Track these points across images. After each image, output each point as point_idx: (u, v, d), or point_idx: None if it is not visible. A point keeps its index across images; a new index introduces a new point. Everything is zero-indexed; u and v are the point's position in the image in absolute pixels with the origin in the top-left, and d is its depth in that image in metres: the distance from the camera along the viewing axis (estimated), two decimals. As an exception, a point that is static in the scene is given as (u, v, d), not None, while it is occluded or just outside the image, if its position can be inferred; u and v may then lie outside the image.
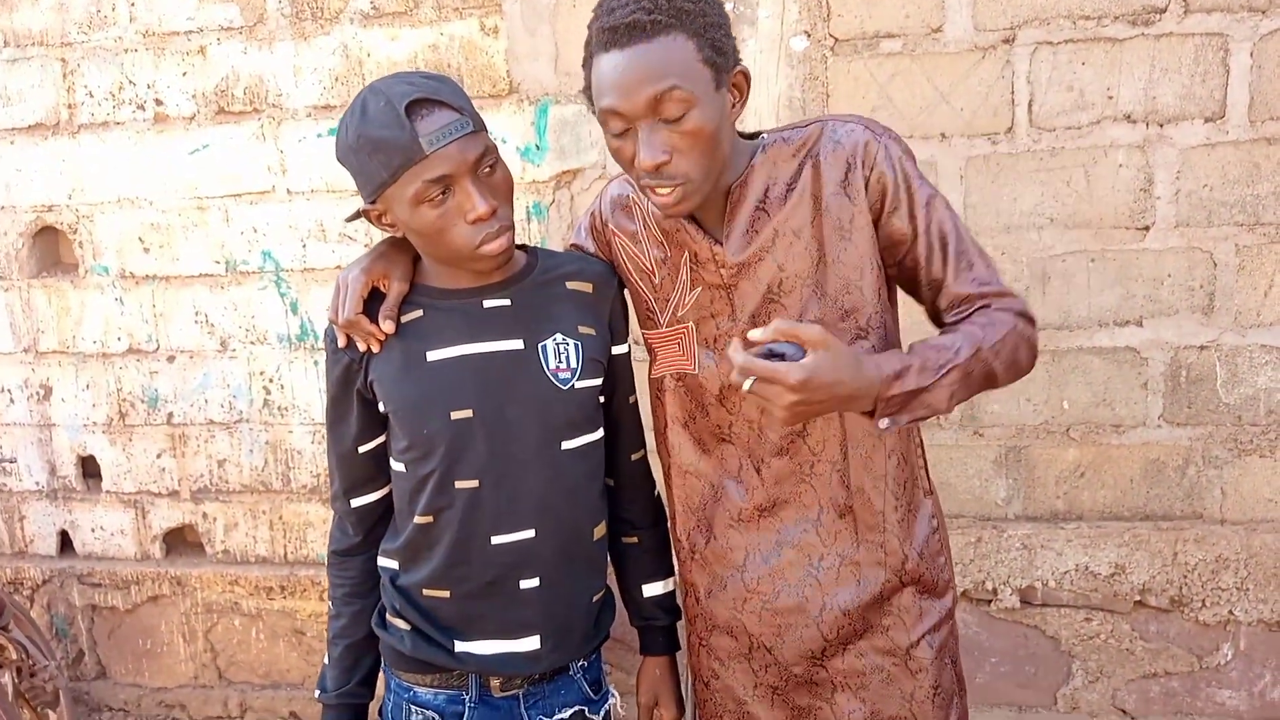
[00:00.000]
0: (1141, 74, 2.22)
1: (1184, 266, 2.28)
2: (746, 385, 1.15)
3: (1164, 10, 2.19)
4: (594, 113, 1.31)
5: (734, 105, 1.31)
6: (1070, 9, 2.21)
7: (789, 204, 1.36)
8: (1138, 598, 2.41)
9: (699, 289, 1.43)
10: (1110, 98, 2.24)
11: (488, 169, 1.32)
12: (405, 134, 1.27)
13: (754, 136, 1.42)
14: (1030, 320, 1.35)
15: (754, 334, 1.17)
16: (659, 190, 1.29)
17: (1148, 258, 2.29)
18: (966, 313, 1.34)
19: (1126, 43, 2.21)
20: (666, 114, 1.24)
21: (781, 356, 1.16)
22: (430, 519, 1.42)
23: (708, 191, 1.32)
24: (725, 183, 1.37)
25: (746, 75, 1.31)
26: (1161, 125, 2.24)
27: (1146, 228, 2.28)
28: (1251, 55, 2.18)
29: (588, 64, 1.30)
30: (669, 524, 1.59)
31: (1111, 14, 2.20)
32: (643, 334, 1.51)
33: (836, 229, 1.35)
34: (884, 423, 1.25)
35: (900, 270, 1.39)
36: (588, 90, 1.30)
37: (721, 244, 1.39)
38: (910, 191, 1.34)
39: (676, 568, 1.61)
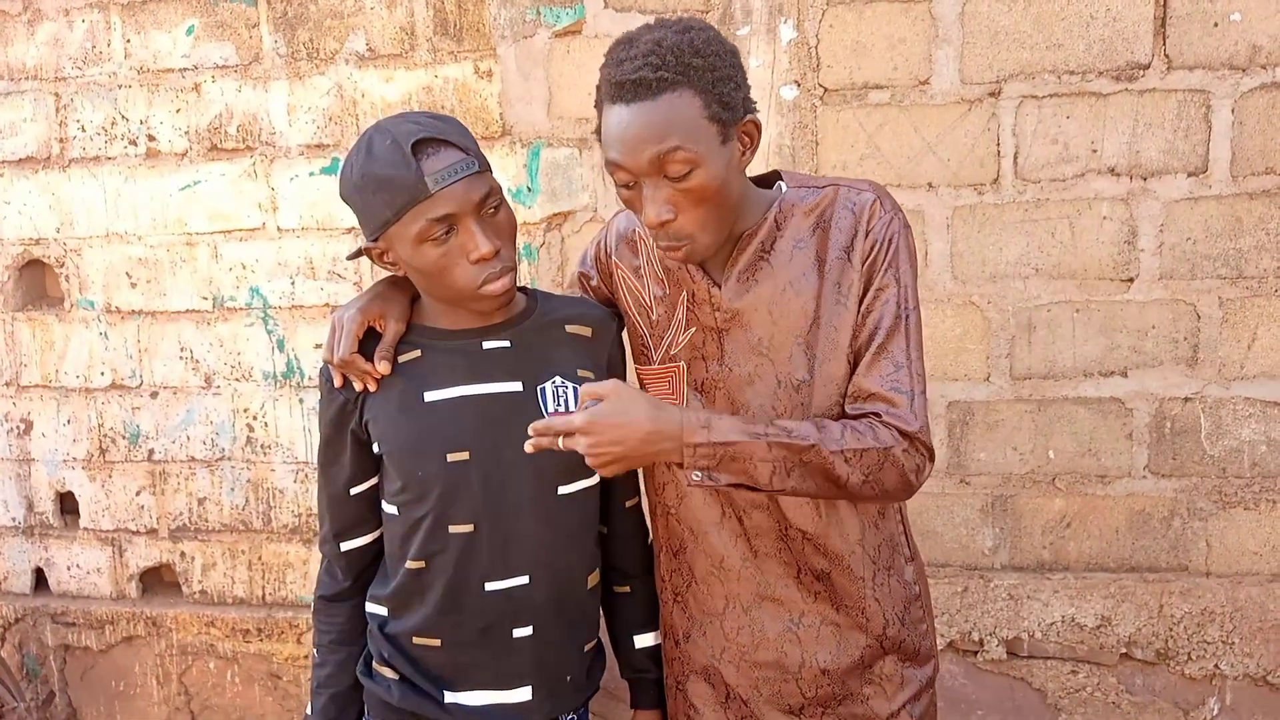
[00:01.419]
0: (1125, 128, 2.26)
1: (1168, 318, 2.30)
2: (560, 443, 1.22)
3: (1147, 67, 2.23)
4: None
5: (743, 153, 1.31)
6: (1055, 64, 2.25)
7: (794, 260, 1.36)
8: (1124, 650, 2.40)
9: (693, 329, 1.42)
10: (1094, 151, 2.28)
11: (492, 209, 1.32)
12: (411, 172, 1.27)
13: (769, 177, 1.42)
14: (920, 449, 1.30)
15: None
16: (667, 249, 1.30)
17: (1132, 309, 2.31)
18: (858, 414, 1.31)
19: (1110, 98, 2.25)
20: (670, 173, 1.24)
21: None
22: (422, 564, 1.40)
23: (720, 243, 1.32)
24: (737, 230, 1.37)
25: (757, 124, 1.31)
26: (1145, 179, 2.27)
27: (1131, 279, 2.30)
28: (1233, 112, 2.22)
29: (599, 108, 1.30)
30: (654, 562, 1.57)
31: (1095, 69, 2.24)
32: (635, 369, 1.51)
33: (835, 292, 1.34)
34: (695, 475, 1.27)
35: None
36: (599, 134, 1.30)
37: (719, 286, 1.39)
38: (883, 270, 1.32)
39: (660, 608, 1.59)
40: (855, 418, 1.32)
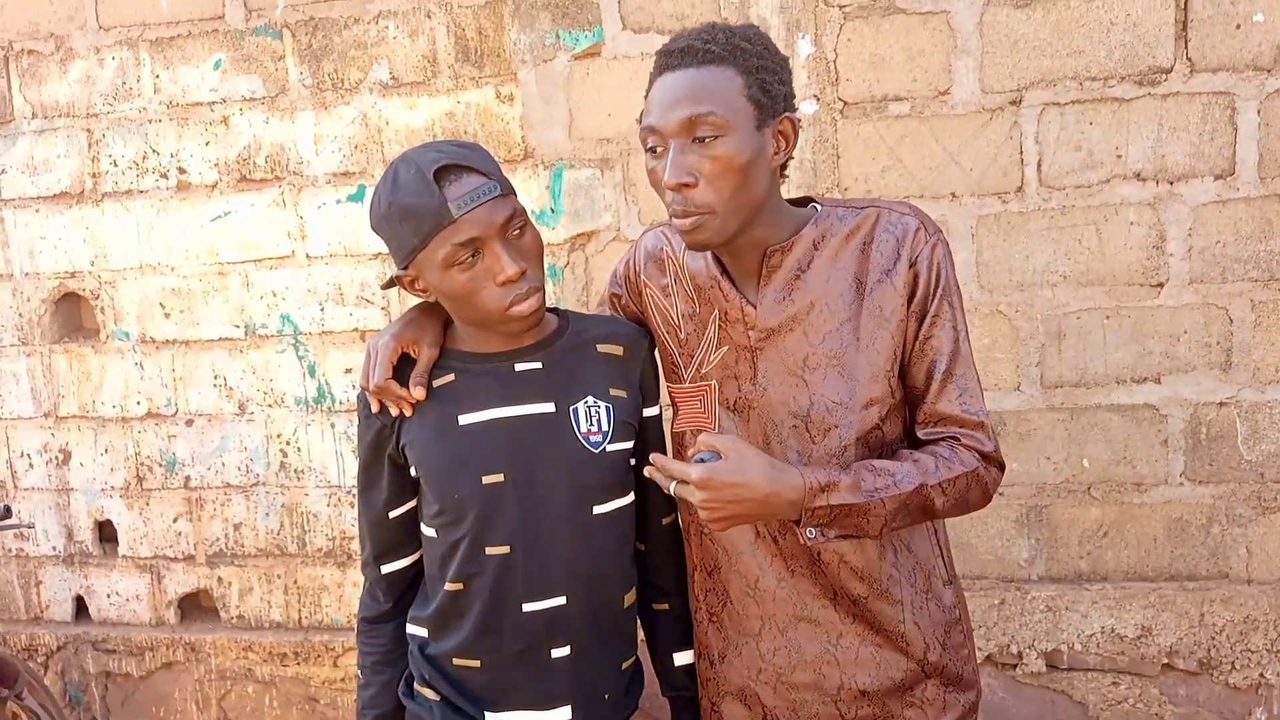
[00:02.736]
0: (1150, 133, 2.24)
1: (1200, 323, 2.28)
2: (671, 488, 1.22)
3: (1170, 71, 2.22)
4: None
5: (777, 151, 1.31)
6: (1076, 70, 2.25)
7: (832, 281, 1.35)
8: (1165, 660, 2.36)
9: (725, 348, 1.41)
10: (1119, 156, 2.26)
11: (516, 231, 1.34)
12: (434, 199, 1.29)
13: (804, 203, 1.42)
14: (995, 464, 1.35)
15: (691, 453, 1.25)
16: (680, 217, 1.29)
17: (1163, 314, 2.29)
18: (935, 438, 1.34)
19: (1133, 102, 2.24)
20: (699, 134, 1.25)
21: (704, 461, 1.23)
22: (461, 586, 1.41)
23: (733, 231, 1.30)
24: (765, 242, 1.36)
25: (794, 123, 1.31)
26: (1172, 183, 2.25)
27: (1160, 284, 2.28)
28: (1259, 113, 2.20)
29: (648, 94, 1.32)
30: (689, 581, 1.57)
31: (1117, 75, 2.23)
32: (667, 387, 1.51)
33: (876, 315, 1.34)
34: (810, 533, 1.26)
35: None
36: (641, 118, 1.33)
37: (755, 306, 1.38)
38: (936, 299, 1.33)
39: (694, 628, 1.59)
40: (932, 442, 1.33)
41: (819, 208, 1.39)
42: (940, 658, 1.41)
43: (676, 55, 1.27)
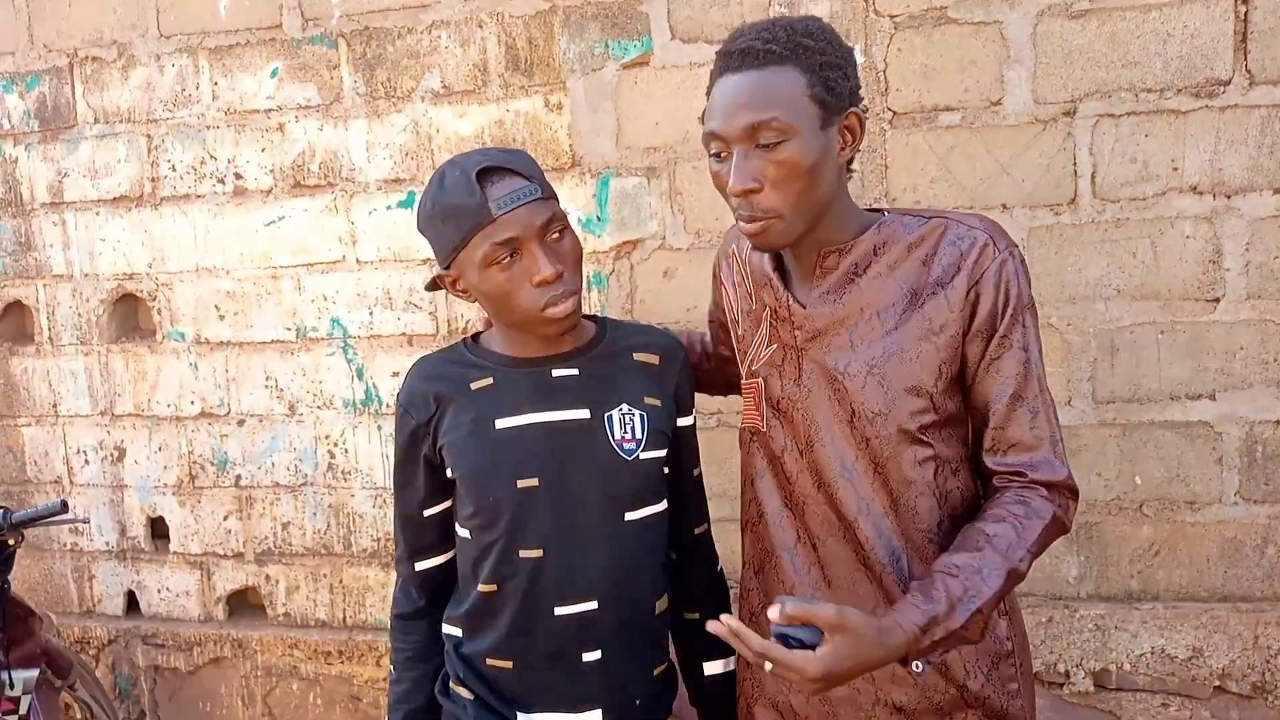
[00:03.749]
0: (1207, 146, 2.20)
1: (1257, 339, 2.23)
2: (768, 667, 1.11)
3: (1228, 83, 2.18)
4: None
5: (844, 148, 1.28)
6: (1132, 82, 2.21)
7: (886, 289, 1.31)
8: (1217, 683, 2.31)
9: (774, 346, 1.40)
10: (1175, 169, 2.22)
11: (556, 235, 1.36)
12: (476, 199, 1.32)
13: (876, 213, 1.38)
14: (1069, 493, 1.29)
15: (771, 613, 1.11)
16: (747, 221, 1.27)
17: (1219, 330, 2.24)
18: (1004, 471, 1.29)
19: (1190, 115, 2.20)
20: (762, 140, 1.23)
21: (799, 639, 1.10)
22: (494, 588, 1.43)
23: (800, 232, 1.28)
24: (826, 242, 1.33)
25: (861, 119, 1.28)
26: (1229, 197, 2.21)
27: (1217, 299, 2.24)
28: (1321, 126, 2.15)
29: (709, 94, 1.31)
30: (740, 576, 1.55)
31: (1174, 86, 2.20)
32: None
33: (925, 328, 1.29)
34: (917, 666, 1.22)
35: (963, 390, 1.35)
36: (703, 119, 1.31)
37: (803, 305, 1.36)
38: (1006, 318, 1.28)
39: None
40: (1002, 488, 1.29)
41: (886, 214, 1.36)
42: (983, 689, 1.35)
43: (737, 57, 1.25)
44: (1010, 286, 1.28)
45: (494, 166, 1.34)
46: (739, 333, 1.46)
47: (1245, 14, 2.16)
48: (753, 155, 1.24)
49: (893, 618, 1.16)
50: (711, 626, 1.13)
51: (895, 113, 2.33)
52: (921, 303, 1.30)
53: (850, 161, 1.32)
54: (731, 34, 1.30)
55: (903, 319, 1.31)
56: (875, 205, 1.42)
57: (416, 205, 1.44)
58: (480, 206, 1.31)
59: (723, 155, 1.27)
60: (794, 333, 1.37)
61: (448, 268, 1.39)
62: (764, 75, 1.23)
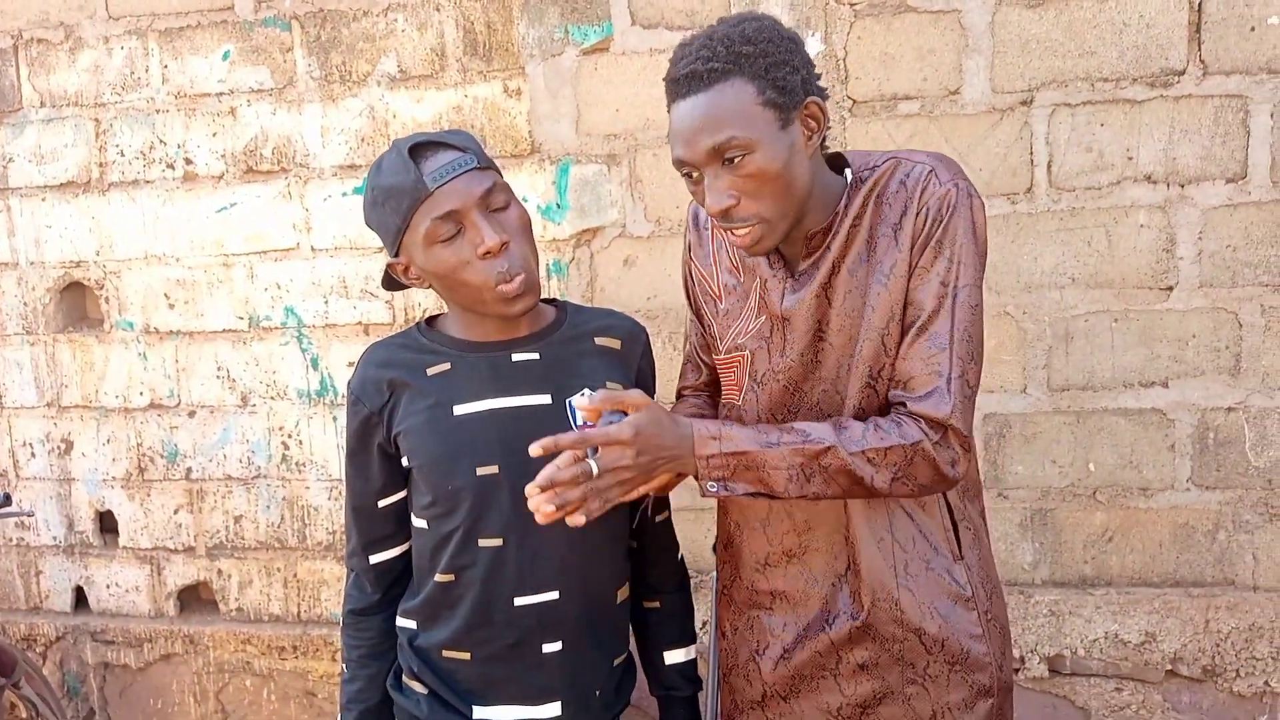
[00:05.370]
0: (1161, 135, 2.23)
1: (1209, 327, 2.26)
2: (592, 464, 1.19)
3: (1182, 73, 2.20)
4: None
5: (809, 137, 1.28)
6: (1088, 71, 2.23)
7: (852, 241, 1.32)
8: (1169, 667, 2.34)
9: (763, 317, 1.40)
10: (1130, 158, 2.24)
11: (499, 206, 1.34)
12: (411, 175, 1.30)
13: (833, 159, 1.37)
14: (954, 440, 1.26)
15: (578, 400, 1.25)
16: (735, 232, 1.28)
17: (1172, 318, 2.27)
18: (896, 401, 1.29)
19: (1145, 104, 2.22)
20: (728, 158, 1.24)
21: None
22: (452, 577, 1.40)
23: (788, 228, 1.29)
24: (811, 225, 1.33)
25: (820, 106, 1.28)
26: (1182, 186, 2.23)
27: (1170, 288, 2.26)
28: (1272, 116, 2.18)
29: (670, 119, 1.31)
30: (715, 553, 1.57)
31: (1130, 76, 2.22)
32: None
33: (878, 272, 1.30)
34: (711, 486, 1.25)
35: None
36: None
37: (793, 276, 1.36)
38: (930, 245, 1.27)
39: (712, 601, 1.58)
40: (886, 411, 1.30)
41: (849, 174, 1.35)
42: (940, 630, 1.37)
43: (684, 82, 1.25)
44: (950, 212, 1.27)
45: (427, 142, 1.33)
46: (722, 307, 1.45)
47: (1199, 4, 2.18)
48: (722, 173, 1.25)
49: (689, 419, 1.27)
50: (531, 448, 1.18)
51: (855, 101, 2.33)
52: (875, 246, 1.31)
53: (823, 143, 1.32)
54: (673, 56, 1.29)
55: (865, 269, 1.32)
56: (838, 151, 1.40)
57: (363, 198, 1.41)
58: (416, 182, 1.30)
59: (695, 177, 1.28)
60: (781, 302, 1.37)
61: (396, 254, 1.37)
62: (712, 95, 1.23)
